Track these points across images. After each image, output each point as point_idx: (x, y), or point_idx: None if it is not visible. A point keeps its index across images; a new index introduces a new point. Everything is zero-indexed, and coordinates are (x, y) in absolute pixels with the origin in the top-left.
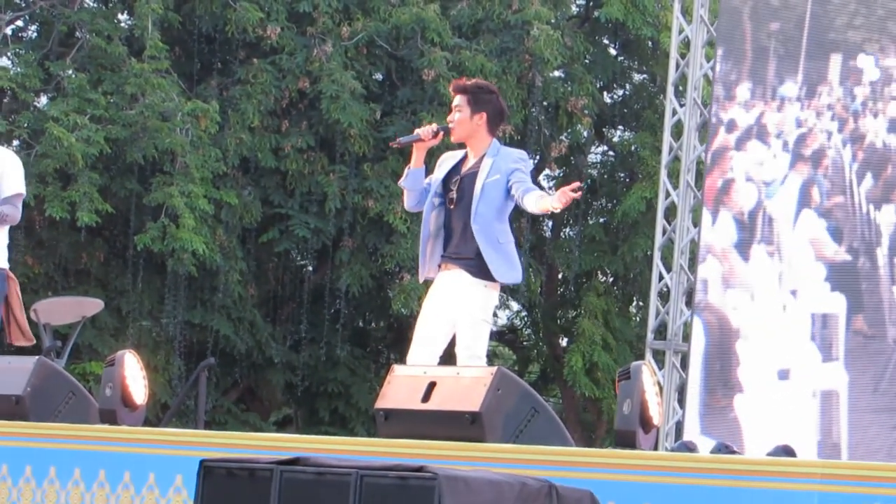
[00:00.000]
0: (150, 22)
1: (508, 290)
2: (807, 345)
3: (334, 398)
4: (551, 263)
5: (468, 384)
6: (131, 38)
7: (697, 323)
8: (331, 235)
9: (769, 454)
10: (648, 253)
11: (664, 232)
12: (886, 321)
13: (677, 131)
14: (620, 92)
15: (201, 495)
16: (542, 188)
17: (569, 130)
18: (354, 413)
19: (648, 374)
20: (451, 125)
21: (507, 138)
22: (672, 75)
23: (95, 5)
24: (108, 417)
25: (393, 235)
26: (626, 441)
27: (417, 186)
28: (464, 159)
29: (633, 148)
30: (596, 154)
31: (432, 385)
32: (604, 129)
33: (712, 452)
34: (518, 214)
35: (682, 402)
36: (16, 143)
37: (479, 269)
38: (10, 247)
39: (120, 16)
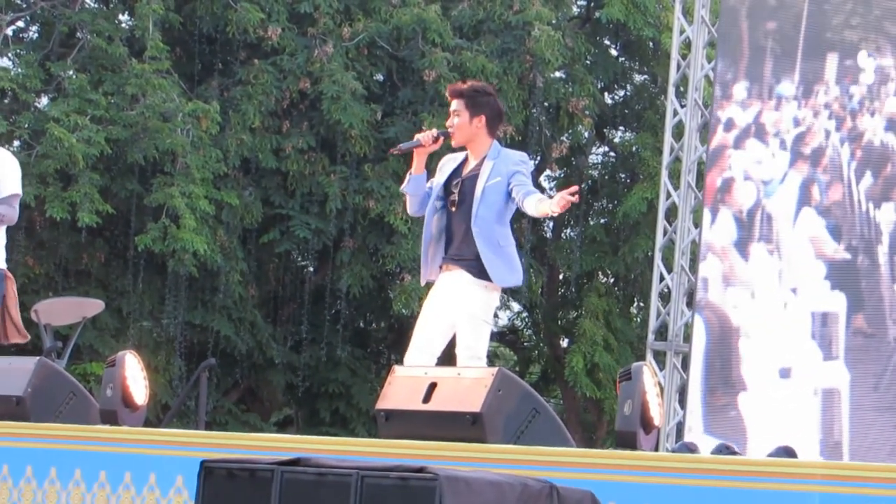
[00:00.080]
0: (151, 22)
1: (509, 291)
2: (807, 343)
3: (335, 399)
4: (552, 264)
5: (469, 385)
6: (132, 39)
7: (698, 321)
8: (331, 236)
9: (770, 455)
10: (649, 254)
11: (665, 233)
12: (887, 320)
13: (678, 132)
14: (621, 93)
15: (202, 496)
16: (542, 190)
17: (570, 131)
18: (355, 414)
19: (649, 375)
20: (450, 130)
21: (508, 139)
22: (673, 76)
23: (96, 6)
24: (109, 418)
25: (394, 236)
26: (626, 442)
27: (419, 192)
28: (464, 162)
29: (633, 149)
30: (597, 155)
31: (433, 386)
32: (605, 130)
33: (713, 453)
34: (519, 215)
35: (682, 402)
36: (16, 143)
37: (481, 270)
38: (9, 248)
39: (121, 16)
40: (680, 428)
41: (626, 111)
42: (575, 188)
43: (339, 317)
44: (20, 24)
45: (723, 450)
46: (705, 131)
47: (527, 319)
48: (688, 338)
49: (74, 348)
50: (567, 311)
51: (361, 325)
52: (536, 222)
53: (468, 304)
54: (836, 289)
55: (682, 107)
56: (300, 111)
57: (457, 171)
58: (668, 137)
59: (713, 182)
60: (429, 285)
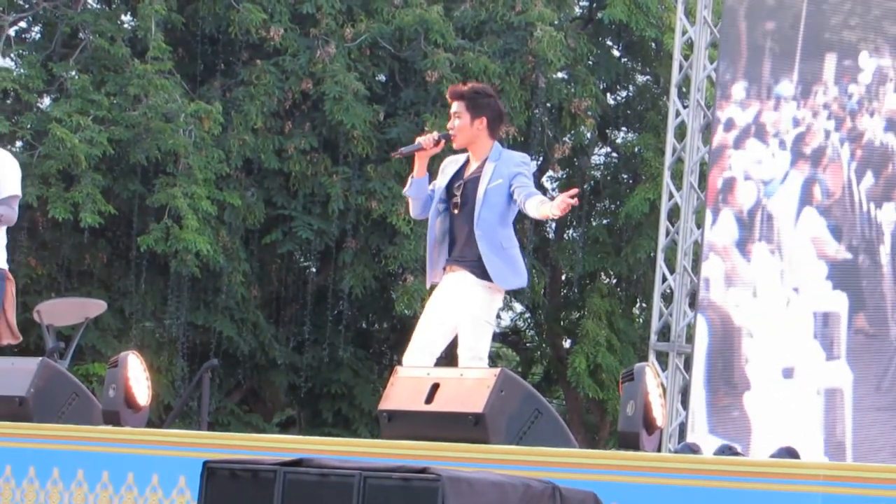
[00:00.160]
0: (154, 23)
1: (512, 292)
2: (809, 343)
3: (337, 399)
4: (555, 265)
5: (471, 386)
6: (134, 40)
7: (701, 321)
8: (334, 237)
9: (772, 456)
10: (652, 254)
11: (667, 233)
12: (888, 320)
13: (680, 133)
14: (624, 93)
15: (205, 496)
16: (545, 191)
17: (572, 132)
18: (357, 414)
19: (652, 376)
20: (451, 132)
21: (511, 140)
22: (675, 77)
23: (99, 6)
24: (112, 419)
25: (396, 237)
26: (629, 443)
27: (421, 195)
28: (466, 164)
29: (636, 149)
30: (599, 155)
31: (435, 386)
32: (607, 131)
33: (716, 454)
34: (521, 216)
35: (685, 403)
36: (19, 144)
37: (483, 271)
38: (10, 248)
39: (123, 17)
40: (682, 429)
41: (629, 112)
42: (575, 190)
43: (341, 317)
44: (22, 24)
45: (725, 450)
46: (707, 132)
47: (529, 320)
48: (690, 338)
49: (77, 349)
50: (569, 312)
51: (364, 325)
52: (539, 223)
53: (470, 305)
54: (838, 289)
55: (685, 107)
56: (302, 112)
57: (459, 174)
58: (670, 138)
59: (714, 182)
60: (433, 287)
